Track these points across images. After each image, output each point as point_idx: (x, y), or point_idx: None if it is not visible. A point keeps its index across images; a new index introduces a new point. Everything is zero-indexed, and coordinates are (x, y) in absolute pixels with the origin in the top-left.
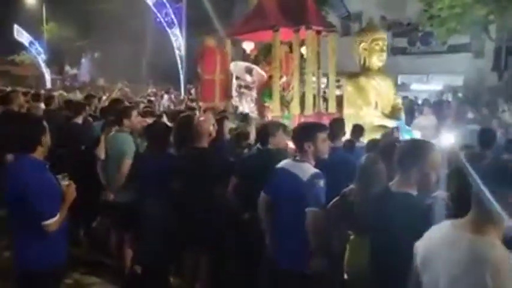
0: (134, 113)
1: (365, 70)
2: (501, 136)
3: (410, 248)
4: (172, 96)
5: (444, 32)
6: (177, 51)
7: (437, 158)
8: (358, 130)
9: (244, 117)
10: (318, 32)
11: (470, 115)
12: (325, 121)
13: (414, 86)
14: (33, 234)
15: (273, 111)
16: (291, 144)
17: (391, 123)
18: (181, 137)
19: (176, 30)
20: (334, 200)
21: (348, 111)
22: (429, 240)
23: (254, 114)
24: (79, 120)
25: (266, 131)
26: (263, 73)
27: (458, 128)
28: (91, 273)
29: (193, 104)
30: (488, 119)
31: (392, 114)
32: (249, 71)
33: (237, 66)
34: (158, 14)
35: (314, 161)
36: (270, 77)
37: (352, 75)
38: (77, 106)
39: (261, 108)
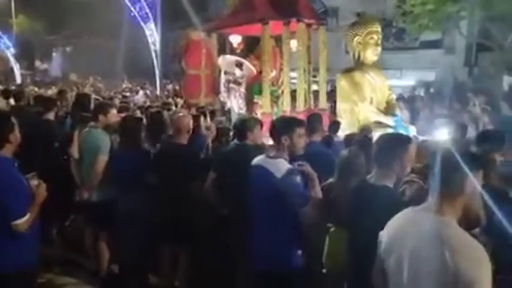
0: (113, 110)
1: (359, 65)
2: (471, 130)
3: None
4: (148, 91)
5: (417, 28)
6: (152, 46)
7: (413, 151)
8: (335, 125)
9: (227, 113)
10: (308, 25)
11: (442, 110)
12: (323, 117)
13: (388, 82)
14: (2, 234)
15: (263, 108)
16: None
17: (387, 119)
18: (154, 133)
19: (151, 25)
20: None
21: (342, 107)
22: (392, 227)
23: (243, 110)
24: (51, 116)
25: (244, 126)
26: (253, 68)
27: (431, 123)
28: (65, 273)
29: (170, 100)
30: (460, 114)
31: (388, 110)
32: (239, 65)
33: (225, 60)
34: (132, 8)
35: (288, 156)
36: (259, 72)
37: (346, 70)
38: (47, 102)
39: (250, 105)
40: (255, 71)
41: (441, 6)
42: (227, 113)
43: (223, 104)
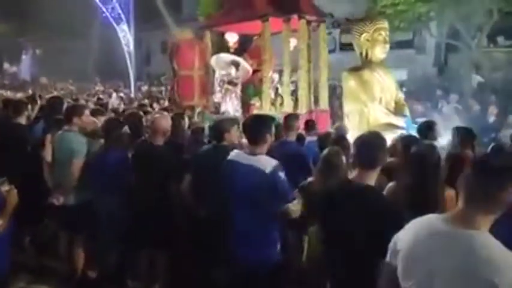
0: (86, 112)
1: (367, 63)
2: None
3: (373, 239)
4: (122, 94)
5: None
6: (125, 48)
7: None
8: (311, 125)
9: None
10: (308, 22)
11: (414, 108)
12: (324, 119)
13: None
14: None
15: (263, 109)
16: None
17: (397, 120)
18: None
19: (124, 26)
20: (293, 192)
21: (350, 108)
22: (414, 238)
23: (239, 113)
24: (21, 120)
25: (221, 127)
26: (249, 68)
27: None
28: (39, 280)
29: (146, 101)
30: (430, 112)
31: (397, 110)
32: (236, 65)
33: (219, 59)
34: (104, 9)
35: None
36: (254, 72)
37: (354, 69)
38: (16, 105)
39: (246, 106)
40: (251, 71)
41: (411, 7)
42: (222, 115)
43: (217, 106)
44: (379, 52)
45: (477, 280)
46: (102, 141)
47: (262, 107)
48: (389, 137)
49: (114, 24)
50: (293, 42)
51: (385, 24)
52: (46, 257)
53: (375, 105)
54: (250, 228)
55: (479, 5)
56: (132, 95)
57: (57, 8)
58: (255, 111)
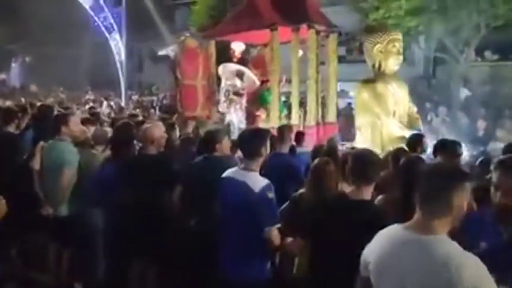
0: (73, 119)
1: (380, 75)
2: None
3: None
4: (112, 103)
5: None
6: (116, 57)
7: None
8: (300, 136)
9: (226, 126)
10: (317, 32)
11: None
12: (332, 132)
13: (353, 93)
14: None
15: (271, 121)
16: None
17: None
18: (118, 144)
19: (116, 35)
20: (285, 205)
21: (362, 120)
22: (381, 249)
23: (243, 124)
24: (11, 128)
25: (212, 138)
26: (255, 78)
27: None
28: None
29: (136, 111)
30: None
31: (411, 124)
32: (240, 75)
33: (225, 69)
34: (96, 18)
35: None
36: (261, 83)
37: (367, 81)
38: (7, 114)
39: (252, 118)
40: (257, 83)
41: (401, 21)
42: (227, 126)
43: (221, 117)
44: (393, 64)
45: (439, 283)
46: (93, 151)
47: (269, 118)
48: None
49: (106, 33)
50: (299, 52)
51: (399, 35)
52: (33, 269)
53: (389, 119)
54: (239, 246)
55: (467, 20)
56: (123, 104)
57: (48, 16)
58: (260, 123)
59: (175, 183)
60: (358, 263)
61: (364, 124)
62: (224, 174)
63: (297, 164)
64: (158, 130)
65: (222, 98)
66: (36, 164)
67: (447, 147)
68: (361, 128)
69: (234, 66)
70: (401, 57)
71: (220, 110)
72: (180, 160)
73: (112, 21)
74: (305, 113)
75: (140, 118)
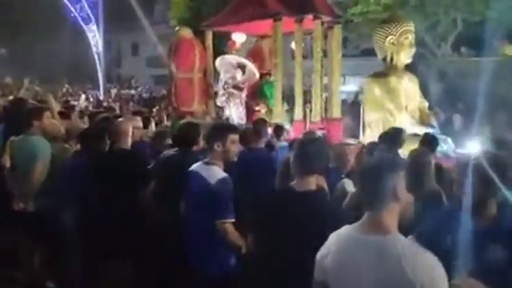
0: (46, 114)
1: (392, 69)
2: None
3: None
4: (90, 96)
5: (357, 36)
6: (94, 49)
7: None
8: (279, 130)
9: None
10: (321, 23)
11: None
12: (336, 128)
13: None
14: None
15: (275, 117)
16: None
17: (424, 131)
18: (89, 138)
19: (93, 26)
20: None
21: (373, 116)
22: (337, 251)
23: (243, 121)
24: None
25: (190, 132)
26: (256, 71)
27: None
28: None
29: (115, 105)
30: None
31: (423, 120)
32: (242, 67)
33: (224, 61)
34: (72, 8)
35: (223, 163)
36: (261, 76)
37: (378, 75)
38: None
39: (251, 113)
40: (257, 75)
41: (379, 16)
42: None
43: (218, 112)
44: (405, 57)
45: (396, 282)
46: (65, 145)
47: (270, 114)
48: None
49: (83, 24)
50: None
51: (412, 27)
52: (5, 266)
53: (402, 115)
54: (202, 240)
55: (444, 15)
56: (101, 98)
57: (23, 7)
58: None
59: (148, 178)
60: (305, 255)
61: (375, 120)
62: (190, 169)
63: (275, 158)
64: (131, 124)
65: (221, 92)
66: (6, 160)
67: (389, 137)
68: (372, 124)
69: (235, 58)
70: (413, 50)
71: (218, 104)
72: (153, 154)
73: (89, 12)
74: (310, 109)
75: (117, 112)
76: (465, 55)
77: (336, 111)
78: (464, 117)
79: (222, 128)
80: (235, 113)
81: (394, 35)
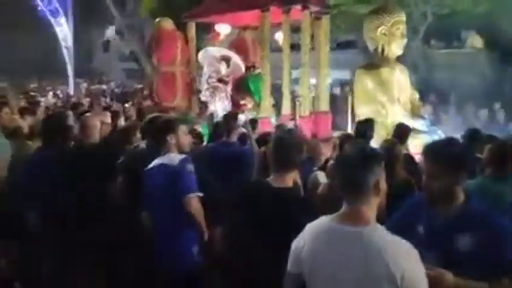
0: (5, 109)
1: (383, 60)
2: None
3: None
4: (59, 92)
5: (332, 29)
6: (62, 43)
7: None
8: (253, 123)
9: (209, 118)
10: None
11: None
12: (325, 121)
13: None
14: None
15: (263, 112)
16: None
17: (417, 124)
18: (49, 133)
19: (61, 19)
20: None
21: (364, 110)
22: (314, 243)
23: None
24: None
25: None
26: (241, 64)
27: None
28: None
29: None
30: None
31: (414, 112)
32: (226, 60)
33: (207, 54)
34: (39, 1)
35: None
36: (246, 69)
37: (370, 66)
38: None
39: (236, 107)
40: (243, 68)
41: (352, 8)
42: (209, 117)
43: (202, 107)
44: (397, 48)
45: (375, 275)
46: (28, 142)
47: (258, 108)
48: (412, 142)
49: (51, 18)
50: (279, 36)
51: (404, 17)
52: None
53: (395, 107)
54: (166, 229)
55: (415, 8)
56: (71, 93)
57: None
58: (247, 113)
59: (116, 173)
60: (279, 251)
61: (367, 113)
62: (150, 166)
63: (248, 152)
64: (99, 119)
65: (205, 86)
66: None
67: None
68: (362, 118)
69: (219, 51)
70: (405, 41)
71: (202, 99)
72: (122, 149)
73: (57, 5)
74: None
75: (85, 107)
76: (435, 47)
77: (324, 105)
78: (435, 109)
79: (172, 120)
80: (221, 108)
81: (386, 26)
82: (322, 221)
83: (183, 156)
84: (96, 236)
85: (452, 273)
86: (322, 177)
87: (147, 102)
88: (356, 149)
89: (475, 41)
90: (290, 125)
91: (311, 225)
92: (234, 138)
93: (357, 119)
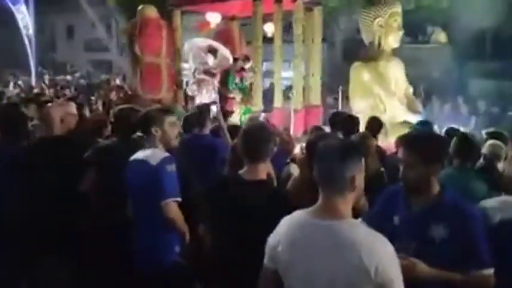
0: None
1: (380, 53)
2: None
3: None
4: (20, 82)
5: None
6: (23, 31)
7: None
8: (228, 115)
9: None
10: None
11: (326, 100)
12: (316, 115)
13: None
14: None
15: (254, 106)
16: None
17: (414, 118)
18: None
19: (22, 7)
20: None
21: (361, 104)
22: (289, 238)
23: (217, 108)
24: None
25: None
26: (229, 55)
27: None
28: None
29: (49, 91)
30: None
31: (410, 106)
32: (213, 52)
33: (193, 45)
34: None
35: (164, 149)
36: (235, 60)
37: (367, 59)
38: None
39: (224, 100)
40: (231, 60)
41: (322, 1)
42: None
43: (189, 100)
44: (393, 40)
45: (350, 269)
46: None
47: (251, 102)
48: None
49: (11, 5)
50: (269, 27)
51: (400, 8)
52: None
53: (393, 101)
54: (144, 227)
55: None
56: (33, 83)
57: None
58: (236, 106)
59: (85, 168)
60: (256, 245)
61: (364, 108)
62: (129, 159)
63: (221, 144)
64: (63, 110)
65: (191, 80)
66: None
67: (340, 122)
68: (360, 112)
69: (205, 42)
70: (401, 33)
71: (189, 93)
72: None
73: None
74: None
75: (47, 98)
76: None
77: (315, 98)
78: None
79: (157, 111)
80: (208, 101)
81: (383, 17)
82: (297, 215)
83: (165, 155)
84: (62, 236)
85: (426, 263)
86: (295, 170)
87: (113, 94)
88: (336, 143)
89: (439, 36)
90: (262, 117)
91: (286, 220)
92: (206, 130)
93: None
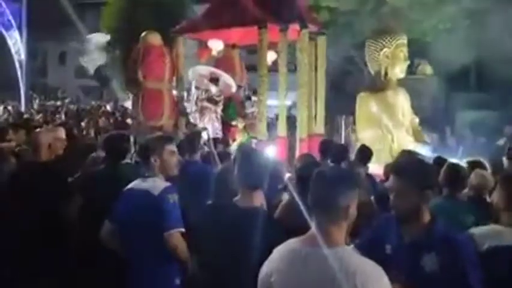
0: None
1: (387, 83)
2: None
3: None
4: (9, 107)
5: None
6: (15, 56)
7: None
8: (217, 142)
9: None
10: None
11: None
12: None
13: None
14: None
15: (259, 134)
16: None
17: (422, 150)
18: None
19: (14, 33)
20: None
21: (368, 134)
22: (282, 267)
23: (219, 136)
24: None
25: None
26: (232, 82)
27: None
28: None
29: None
30: (331, 134)
31: (417, 137)
32: (215, 80)
33: (195, 73)
34: None
35: (163, 177)
36: (238, 88)
37: (375, 90)
38: None
39: (227, 129)
40: (234, 87)
41: None
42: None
43: (189, 127)
44: (400, 70)
45: None
46: None
47: (250, 129)
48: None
49: (3, 31)
50: (270, 56)
51: (406, 40)
52: None
53: (401, 132)
54: (143, 261)
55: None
56: (23, 109)
57: None
58: (237, 136)
59: (71, 194)
60: (249, 273)
61: (370, 138)
62: (127, 187)
63: (211, 171)
64: (52, 135)
65: (193, 108)
66: None
67: (333, 151)
68: (366, 142)
69: (206, 69)
70: (407, 63)
71: (192, 120)
72: (79, 168)
73: (10, 17)
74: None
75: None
76: None
77: (319, 127)
78: None
79: (157, 140)
80: (211, 129)
81: (389, 48)
82: (290, 243)
83: (166, 184)
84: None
85: None
86: (286, 196)
87: (103, 120)
88: (331, 171)
89: (425, 68)
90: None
91: (278, 250)
92: (197, 157)
93: (358, 143)
